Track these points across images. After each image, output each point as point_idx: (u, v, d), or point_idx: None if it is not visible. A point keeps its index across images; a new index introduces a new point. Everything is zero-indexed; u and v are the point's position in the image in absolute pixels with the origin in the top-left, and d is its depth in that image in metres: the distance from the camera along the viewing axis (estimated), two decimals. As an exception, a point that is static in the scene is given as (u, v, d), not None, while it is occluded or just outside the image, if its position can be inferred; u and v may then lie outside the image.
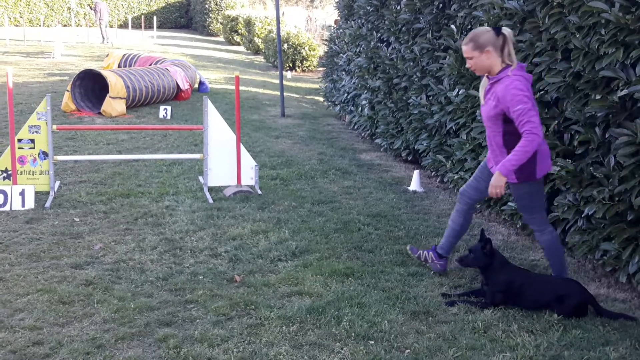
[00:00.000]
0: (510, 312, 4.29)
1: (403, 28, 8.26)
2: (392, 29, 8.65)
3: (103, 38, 27.15)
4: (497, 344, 3.86)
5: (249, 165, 7.05)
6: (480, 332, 4.00)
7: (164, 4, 41.67)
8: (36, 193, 6.37)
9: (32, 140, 6.47)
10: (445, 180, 7.26)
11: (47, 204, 6.27)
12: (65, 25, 35.34)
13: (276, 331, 3.94)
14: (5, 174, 6.38)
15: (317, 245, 5.44)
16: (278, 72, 13.74)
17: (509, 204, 5.72)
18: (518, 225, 5.75)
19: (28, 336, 3.79)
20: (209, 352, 3.68)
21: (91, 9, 29.21)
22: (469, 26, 6.60)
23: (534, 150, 4.22)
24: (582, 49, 4.80)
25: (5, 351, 3.62)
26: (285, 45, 20.25)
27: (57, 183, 6.88)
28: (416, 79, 7.92)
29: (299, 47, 20.60)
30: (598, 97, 4.66)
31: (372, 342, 3.84)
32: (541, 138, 4.24)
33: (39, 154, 6.50)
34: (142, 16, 37.07)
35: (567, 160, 4.96)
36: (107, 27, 27.39)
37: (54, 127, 6.61)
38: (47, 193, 6.54)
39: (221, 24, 34.07)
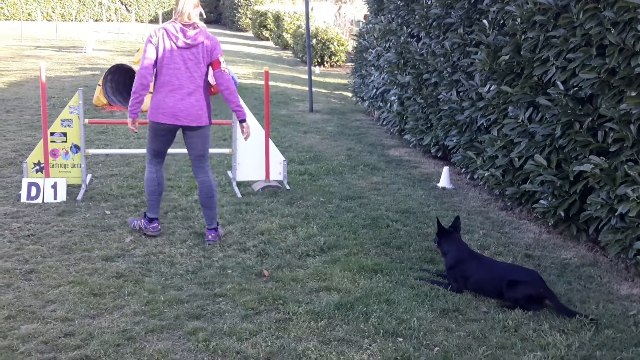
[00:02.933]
0: (541, 310, 4.23)
1: (434, 23, 8.18)
2: (422, 24, 8.58)
3: None
4: (528, 343, 3.81)
5: (278, 160, 7.06)
6: (511, 330, 3.96)
7: (194, -1, 41.91)
8: (68, 186, 6.46)
9: (65, 134, 6.56)
10: (475, 177, 7.19)
11: (79, 197, 6.35)
12: (96, 20, 35.79)
13: (304, 326, 3.95)
14: (38, 167, 6.48)
15: (346, 241, 5.43)
16: (306, 67, 13.72)
17: (541, 201, 5.63)
18: (550, 224, 5.66)
19: (60, 327, 3.85)
20: (237, 345, 3.70)
21: (122, 4, 30.23)
22: (502, 21, 6.51)
23: (136, 89, 5.17)
24: (618, 45, 4.70)
25: (37, 342, 3.68)
26: (314, 41, 20.20)
27: (89, 176, 6.97)
28: (447, 75, 7.84)
29: (328, 42, 20.53)
30: (633, 94, 4.56)
31: (401, 339, 3.82)
32: (140, 78, 5.10)
33: (71, 147, 6.59)
34: (173, 11, 37.33)
35: (601, 157, 4.87)
36: None
37: (86, 120, 6.70)
38: (79, 186, 6.62)
39: (250, 19, 34.16)
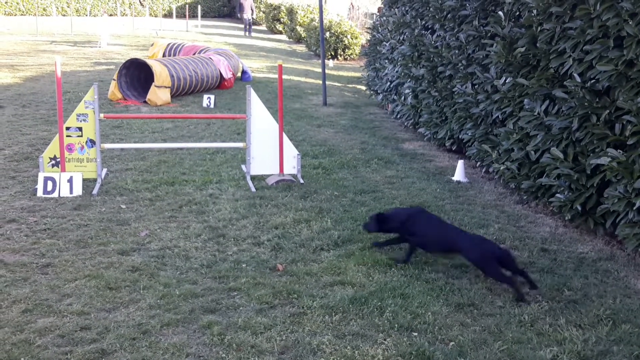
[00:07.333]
0: (557, 305, 4.20)
1: (448, 15, 8.13)
2: (437, 16, 8.52)
3: (245, 30, 29.83)
4: (544, 338, 3.78)
5: (292, 154, 7.05)
6: (527, 325, 3.93)
7: (207, -7, 42.07)
8: (84, 180, 6.50)
9: (80, 129, 6.59)
10: (490, 170, 7.13)
11: (95, 191, 6.39)
12: (111, 15, 35.94)
13: (319, 320, 3.94)
14: (54, 161, 6.52)
15: (360, 235, 5.41)
16: (320, 61, 13.70)
17: (557, 195, 5.58)
18: (566, 218, 5.61)
19: (76, 321, 3.88)
20: (252, 339, 3.70)
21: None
22: (517, 13, 6.44)
23: None
24: (635, 37, 4.64)
25: (54, 335, 3.71)
26: (328, 34, 20.16)
27: (104, 170, 7.01)
28: (461, 67, 7.78)
29: (341, 36, 20.48)
30: (653, 85, 4.50)
31: (416, 334, 3.81)
32: None
33: (86, 141, 6.62)
34: (187, 5, 37.41)
35: (619, 151, 4.81)
36: (249, 21, 30.09)
37: (101, 115, 6.72)
38: (95, 180, 6.66)
39: (263, 12, 34.16)
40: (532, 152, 6.01)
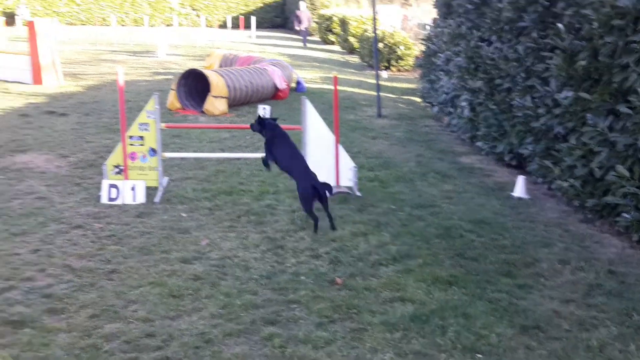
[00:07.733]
0: (627, 330, 4.06)
1: (506, 26, 8.01)
2: (493, 28, 8.41)
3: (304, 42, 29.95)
4: (614, 365, 3.67)
5: (348, 166, 7.05)
6: (595, 350, 3.82)
7: (261, 4, 42.59)
8: (146, 188, 6.64)
9: (142, 137, 6.75)
10: (553, 187, 6.96)
11: (157, 199, 6.52)
12: (168, 25, 36.78)
13: (380, 337, 3.92)
14: (117, 169, 6.69)
15: (419, 250, 5.37)
16: (373, 72, 13.68)
17: (624, 214, 5.42)
18: (634, 239, 5.43)
19: (141, 328, 3.97)
20: (313, 354, 3.71)
21: (193, 10, 31.44)
22: (577, 25, 6.30)
23: None
24: None
25: (120, 341, 3.80)
26: (381, 45, 20.12)
27: (166, 179, 7.15)
28: (520, 80, 7.65)
29: (395, 46, 20.42)
30: None
31: (480, 356, 3.74)
32: None
33: (148, 150, 6.78)
34: (240, 16, 37.98)
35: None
36: (306, 32, 30.34)
37: (162, 125, 6.87)
38: (156, 188, 6.80)
39: (316, 23, 34.37)
40: (597, 169, 5.85)
